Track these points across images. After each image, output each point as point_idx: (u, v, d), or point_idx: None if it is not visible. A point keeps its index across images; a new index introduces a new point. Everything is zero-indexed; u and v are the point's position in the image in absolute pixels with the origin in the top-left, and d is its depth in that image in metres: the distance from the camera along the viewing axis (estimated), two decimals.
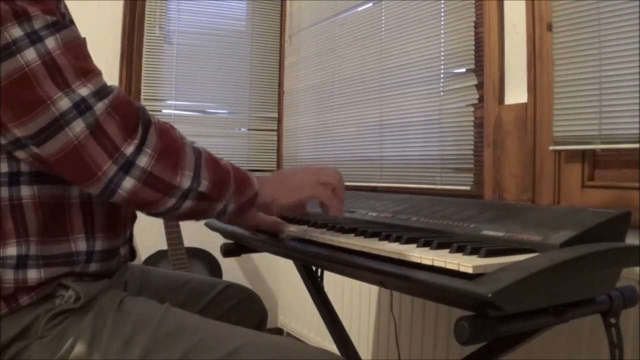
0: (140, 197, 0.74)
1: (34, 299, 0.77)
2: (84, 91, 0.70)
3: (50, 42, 0.70)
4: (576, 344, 1.22)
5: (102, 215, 0.84)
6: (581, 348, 1.21)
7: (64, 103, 0.69)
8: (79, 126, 0.69)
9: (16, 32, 0.68)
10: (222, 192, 0.81)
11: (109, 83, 0.75)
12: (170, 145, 0.76)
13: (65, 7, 0.80)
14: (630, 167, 1.25)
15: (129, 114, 0.73)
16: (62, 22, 0.73)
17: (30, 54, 0.68)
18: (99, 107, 0.70)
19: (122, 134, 0.71)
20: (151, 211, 0.78)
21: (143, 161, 0.72)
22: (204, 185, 0.78)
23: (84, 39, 0.78)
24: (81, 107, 0.69)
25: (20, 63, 0.68)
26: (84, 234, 0.81)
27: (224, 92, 2.68)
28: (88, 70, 0.72)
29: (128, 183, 0.72)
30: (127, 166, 0.72)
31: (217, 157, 0.83)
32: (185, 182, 0.76)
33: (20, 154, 0.73)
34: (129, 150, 0.72)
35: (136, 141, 0.72)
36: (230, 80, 2.68)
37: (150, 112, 0.78)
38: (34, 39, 0.69)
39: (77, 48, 0.73)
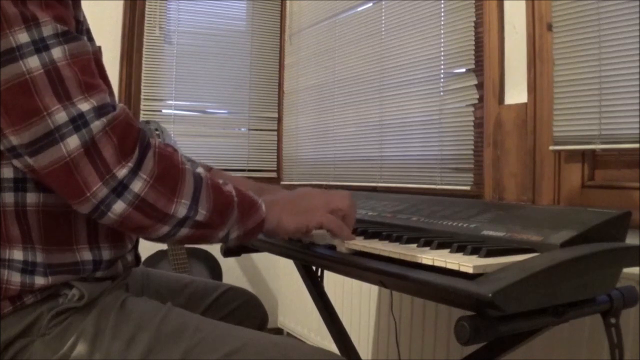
0: (131, 222, 0.72)
1: (38, 298, 0.77)
2: (84, 106, 0.68)
3: (57, 52, 0.68)
4: (576, 344, 1.22)
5: (107, 226, 0.81)
6: (581, 348, 1.21)
7: (61, 116, 0.67)
8: (73, 143, 0.67)
9: (23, 37, 0.66)
10: (223, 219, 0.79)
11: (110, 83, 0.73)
12: (169, 171, 0.74)
13: (84, 15, 0.79)
14: (630, 167, 1.25)
15: (127, 135, 0.71)
16: (73, 34, 0.71)
17: (33, 62, 0.67)
18: (96, 124, 0.68)
19: (117, 155, 0.69)
20: (145, 236, 0.77)
21: (137, 186, 0.70)
22: (201, 214, 0.76)
23: (99, 48, 0.76)
24: (78, 123, 0.67)
25: (21, 69, 0.66)
26: (88, 244, 0.80)
27: (224, 92, 2.68)
28: (92, 86, 0.70)
29: (119, 207, 0.70)
30: (120, 189, 0.70)
31: (220, 183, 0.80)
32: (181, 211, 0.74)
33: (16, 163, 0.72)
34: (122, 173, 0.69)
35: (130, 164, 0.70)
36: (230, 80, 2.68)
37: (150, 136, 0.75)
38: (40, 47, 0.67)
39: (84, 62, 0.71)
